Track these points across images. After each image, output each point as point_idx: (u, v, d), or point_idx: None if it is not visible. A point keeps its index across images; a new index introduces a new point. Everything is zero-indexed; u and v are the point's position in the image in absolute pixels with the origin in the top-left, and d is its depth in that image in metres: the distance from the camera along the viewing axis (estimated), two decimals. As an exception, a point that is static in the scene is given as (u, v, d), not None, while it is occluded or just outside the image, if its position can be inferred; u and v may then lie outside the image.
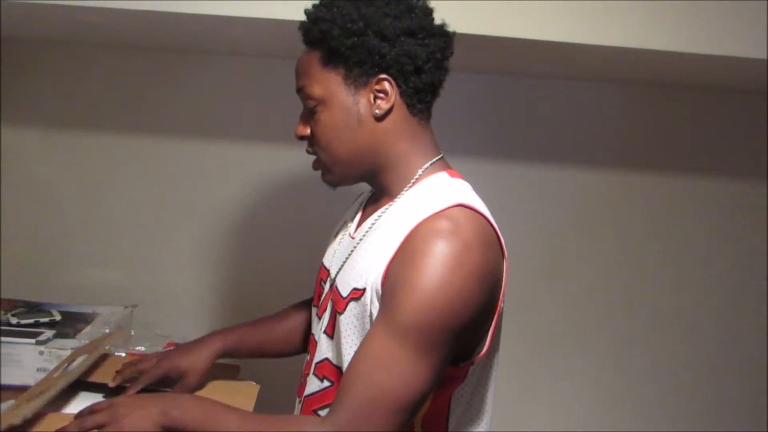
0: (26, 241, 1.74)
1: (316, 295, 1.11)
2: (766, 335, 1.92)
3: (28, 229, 1.74)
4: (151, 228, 1.75)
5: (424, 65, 0.94)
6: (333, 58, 0.94)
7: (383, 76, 0.94)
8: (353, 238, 1.02)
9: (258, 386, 1.18)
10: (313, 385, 1.00)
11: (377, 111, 0.94)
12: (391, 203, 0.98)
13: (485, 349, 0.93)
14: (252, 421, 0.87)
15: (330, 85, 0.94)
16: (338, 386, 0.88)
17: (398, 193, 0.97)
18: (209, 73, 1.72)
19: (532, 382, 1.92)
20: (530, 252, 1.82)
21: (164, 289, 1.75)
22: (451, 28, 0.99)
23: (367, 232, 0.99)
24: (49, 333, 1.35)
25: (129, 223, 1.75)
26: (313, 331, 1.07)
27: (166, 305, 1.59)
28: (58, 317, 1.43)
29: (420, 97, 0.96)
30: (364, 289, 0.91)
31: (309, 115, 0.98)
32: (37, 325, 1.39)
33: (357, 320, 0.92)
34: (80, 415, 0.90)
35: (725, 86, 1.76)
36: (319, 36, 0.94)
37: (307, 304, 1.26)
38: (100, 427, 0.87)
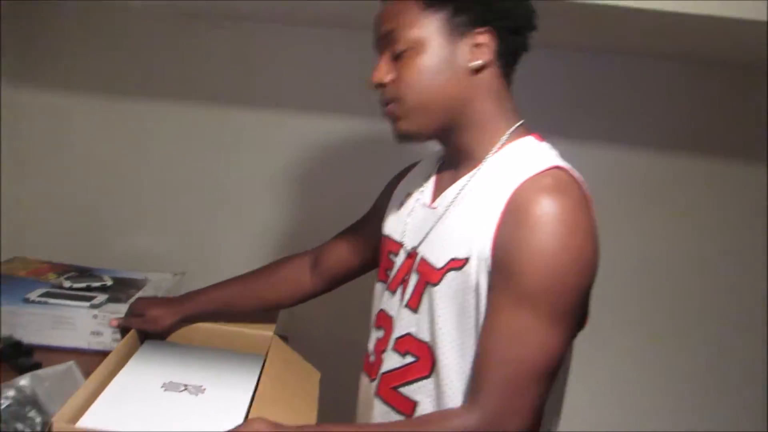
0: (77, 207, 1.74)
1: (382, 270, 1.07)
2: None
3: (78, 194, 1.74)
4: (201, 196, 1.74)
5: (523, 26, 0.92)
6: (438, 0, 0.90)
7: (486, 28, 0.90)
8: (434, 208, 0.98)
9: (319, 374, 1.18)
10: (393, 361, 0.97)
11: (474, 63, 0.90)
12: (477, 168, 0.93)
13: (586, 320, 0.91)
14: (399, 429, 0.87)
15: (429, 27, 0.90)
16: (474, 369, 0.85)
17: (482, 157, 0.93)
18: (265, 41, 1.69)
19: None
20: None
21: (212, 258, 1.75)
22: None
23: (453, 200, 0.94)
24: (102, 297, 1.36)
25: (179, 190, 1.74)
26: (384, 306, 1.03)
27: (213, 273, 1.59)
28: (109, 282, 1.44)
29: (511, 59, 0.94)
30: (466, 259, 0.87)
31: (392, 61, 0.93)
32: (89, 289, 1.40)
33: (456, 291, 0.89)
34: None
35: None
36: None
37: (294, 260, 1.26)
38: None
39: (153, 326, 1.21)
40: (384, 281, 1.05)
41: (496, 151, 0.93)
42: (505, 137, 0.93)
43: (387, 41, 0.93)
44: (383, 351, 1.00)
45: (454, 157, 0.98)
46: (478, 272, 0.86)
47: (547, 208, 0.81)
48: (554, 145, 0.95)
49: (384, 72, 0.93)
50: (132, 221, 1.75)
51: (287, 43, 1.70)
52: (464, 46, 0.90)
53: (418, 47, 0.90)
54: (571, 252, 0.81)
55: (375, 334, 1.05)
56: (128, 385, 1.00)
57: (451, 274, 0.89)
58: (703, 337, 1.85)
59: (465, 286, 0.87)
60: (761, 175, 1.79)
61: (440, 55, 0.90)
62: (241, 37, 1.70)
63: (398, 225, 1.05)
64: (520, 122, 0.96)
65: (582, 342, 0.96)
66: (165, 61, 1.70)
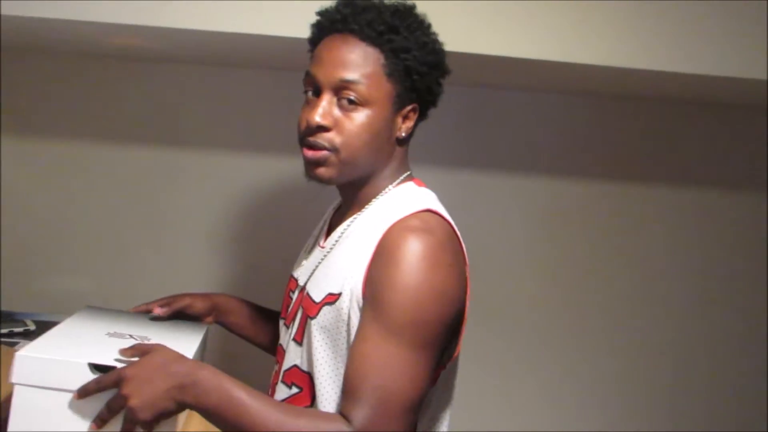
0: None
1: (284, 307, 1.13)
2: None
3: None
4: (123, 236, 1.74)
5: (437, 98, 1.03)
6: (398, 73, 0.96)
7: (415, 105, 1.00)
8: (323, 248, 1.05)
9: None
10: (282, 392, 1.02)
11: (403, 134, 1.00)
12: (360, 212, 1.01)
13: (456, 352, 0.97)
14: (277, 411, 0.84)
15: (383, 93, 0.96)
16: (343, 389, 0.88)
17: (367, 203, 1.02)
18: (189, 82, 1.73)
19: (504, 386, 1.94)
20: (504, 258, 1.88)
21: (135, 298, 1.73)
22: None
23: (337, 240, 1.02)
24: (26, 344, 1.33)
25: (100, 230, 1.72)
26: (281, 341, 1.09)
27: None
28: (32, 327, 1.42)
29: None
30: (340, 294, 0.94)
31: (337, 106, 0.95)
32: (11, 335, 1.37)
33: (330, 324, 0.95)
34: (87, 391, 0.84)
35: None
36: (392, 44, 0.95)
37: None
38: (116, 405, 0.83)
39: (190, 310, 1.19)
40: (284, 317, 1.11)
41: (379, 197, 1.01)
42: (392, 185, 1.02)
43: (340, 86, 0.94)
44: (276, 383, 1.06)
45: (348, 202, 1.06)
46: (350, 307, 0.93)
47: (411, 246, 0.88)
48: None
49: (326, 116, 0.95)
50: (50, 262, 1.71)
51: (220, 84, 1.75)
52: (399, 118, 1.00)
53: (368, 105, 0.95)
54: (433, 285, 0.88)
55: (274, 368, 1.11)
56: (72, 330, 1.00)
57: (326, 308, 0.96)
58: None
59: (338, 319, 0.94)
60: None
61: (385, 122, 0.97)
62: (171, 78, 1.72)
63: (298, 264, 1.13)
64: (408, 172, 1.05)
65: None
66: (86, 103, 1.70)
